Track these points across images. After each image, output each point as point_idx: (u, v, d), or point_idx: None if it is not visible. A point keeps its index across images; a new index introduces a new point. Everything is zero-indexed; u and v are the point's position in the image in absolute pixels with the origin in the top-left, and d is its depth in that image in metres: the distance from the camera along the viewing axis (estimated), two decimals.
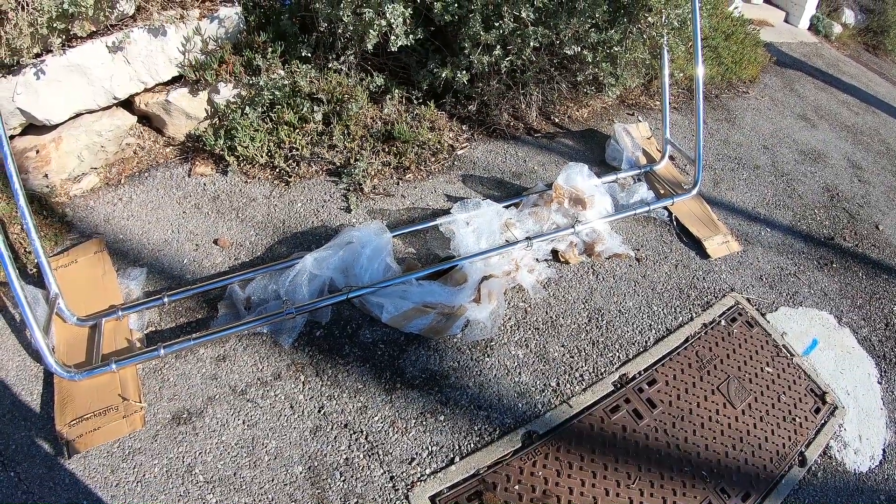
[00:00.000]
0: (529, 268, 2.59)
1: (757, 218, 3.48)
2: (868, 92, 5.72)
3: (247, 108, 2.92)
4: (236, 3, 3.05)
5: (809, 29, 6.65)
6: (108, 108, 2.95)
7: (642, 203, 3.09)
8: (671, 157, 3.54)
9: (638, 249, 2.98)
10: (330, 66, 2.97)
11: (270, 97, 2.90)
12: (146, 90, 3.00)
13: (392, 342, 2.37)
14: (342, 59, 2.95)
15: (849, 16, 6.92)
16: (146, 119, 3.11)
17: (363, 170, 2.83)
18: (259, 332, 2.32)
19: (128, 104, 3.04)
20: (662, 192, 3.28)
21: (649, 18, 2.99)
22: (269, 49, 2.91)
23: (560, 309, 2.61)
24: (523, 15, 2.70)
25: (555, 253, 2.77)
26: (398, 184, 3.01)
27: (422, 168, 3.04)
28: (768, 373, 2.68)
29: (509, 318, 2.52)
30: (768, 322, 2.89)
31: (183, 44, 2.93)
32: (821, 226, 3.59)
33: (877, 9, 7.10)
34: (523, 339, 2.47)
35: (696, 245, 3.10)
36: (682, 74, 3.95)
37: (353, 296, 2.41)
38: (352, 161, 2.89)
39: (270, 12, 3.11)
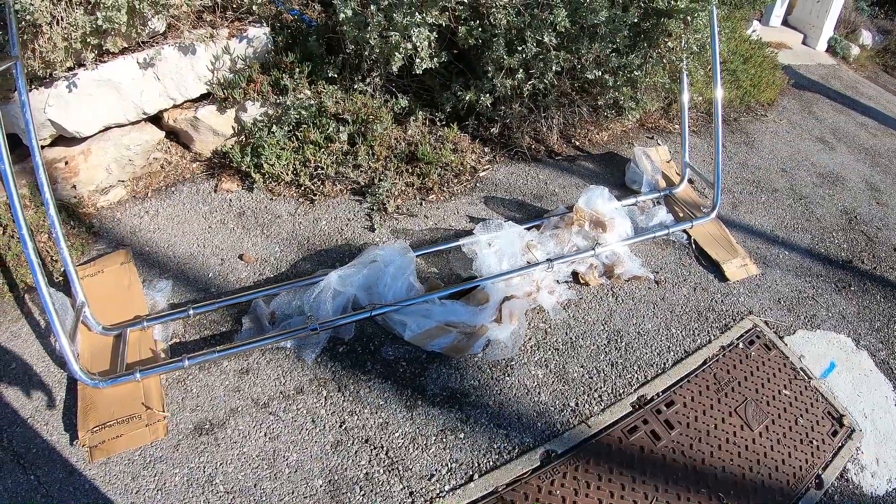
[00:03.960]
0: (550, 289, 2.65)
1: (775, 241, 3.52)
2: (886, 114, 5.76)
3: (273, 126, 3.02)
4: (265, 24, 3.15)
5: (827, 51, 6.71)
6: (137, 122, 3.04)
7: (661, 226, 3.15)
8: (690, 181, 3.59)
9: (657, 272, 3.02)
10: (356, 87, 3.06)
11: (297, 116, 3.00)
12: (175, 106, 3.09)
13: (414, 360, 2.43)
14: (368, 80, 3.05)
15: (866, 37, 6.97)
16: (174, 134, 3.20)
17: (387, 190, 2.91)
18: (282, 347, 2.38)
19: (156, 119, 3.13)
20: (681, 215, 3.33)
21: (668, 43, 3.07)
22: (297, 69, 3.00)
23: (580, 330, 2.67)
24: (546, 39, 2.79)
25: (575, 275, 2.82)
26: (421, 204, 3.08)
27: (445, 189, 3.12)
28: (786, 395, 2.72)
29: (530, 339, 2.58)
30: (786, 345, 2.93)
31: (212, 62, 3.02)
32: (839, 248, 3.63)
33: (894, 30, 7.17)
34: (543, 360, 2.53)
35: (715, 268, 3.14)
36: (700, 98, 4.02)
37: (377, 313, 2.46)
38: (376, 181, 2.97)
39: (298, 33, 3.22)
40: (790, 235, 3.60)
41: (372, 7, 2.73)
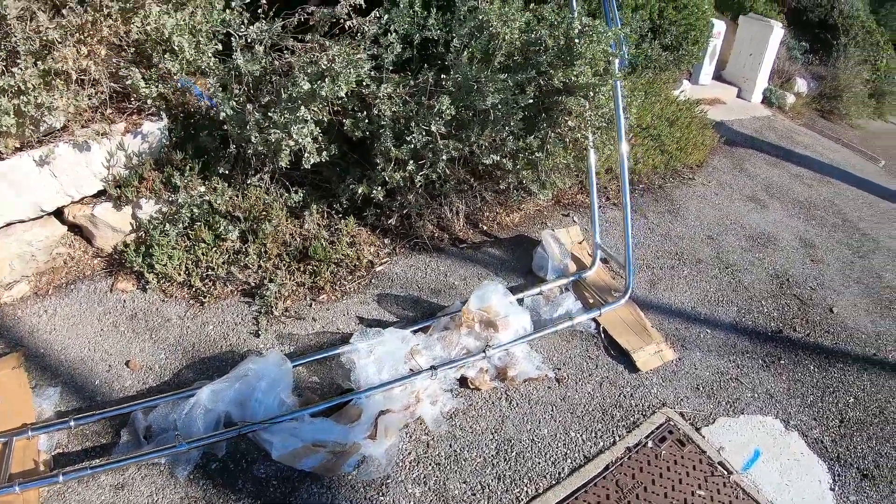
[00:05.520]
0: (433, 399, 2.26)
1: (697, 318, 3.11)
2: (822, 161, 5.38)
3: (167, 224, 2.71)
4: (163, 117, 2.86)
5: (763, 102, 6.37)
6: (39, 218, 2.76)
7: (566, 317, 2.74)
8: (604, 261, 3.21)
9: (559, 368, 2.62)
10: (249, 182, 2.72)
11: (189, 215, 2.68)
12: (74, 202, 2.82)
13: (285, 479, 2.09)
14: (258, 176, 2.71)
15: (801, 84, 6.64)
16: (77, 228, 2.91)
17: (275, 292, 2.56)
18: (157, 462, 2.09)
19: (59, 213, 2.85)
20: (592, 301, 2.94)
21: (569, 122, 2.71)
22: (188, 166, 2.68)
23: (466, 441, 2.27)
24: (433, 129, 2.44)
25: (464, 380, 2.43)
26: (311, 305, 2.72)
27: (337, 288, 2.76)
28: (700, 497, 2.31)
29: (409, 453, 2.20)
30: (703, 437, 2.52)
31: (107, 159, 2.76)
32: (768, 318, 3.22)
33: (828, 75, 6.80)
34: (422, 476, 2.14)
35: (626, 358, 2.73)
36: (619, 169, 3.63)
37: (245, 432, 2.15)
38: (266, 281, 2.62)
39: (199, 124, 2.90)
40: (714, 310, 3.19)
41: (249, 106, 2.40)
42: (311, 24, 2.58)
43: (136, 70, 2.73)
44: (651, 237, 3.68)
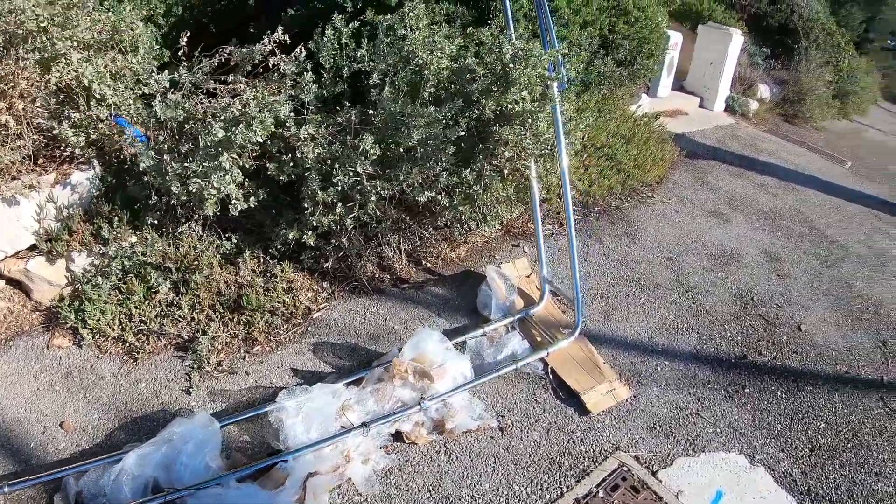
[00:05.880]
0: (365, 457, 2.05)
1: (654, 350, 2.88)
2: (787, 167, 5.15)
3: (100, 277, 2.54)
4: (94, 165, 2.68)
5: (726, 110, 6.16)
6: None
7: (511, 359, 2.52)
8: (554, 294, 2.97)
9: (503, 416, 2.40)
10: (180, 230, 2.52)
11: (121, 266, 2.50)
12: (9, 257, 2.64)
13: None
14: (188, 224, 2.50)
15: (764, 90, 6.44)
16: (16, 282, 2.72)
17: (207, 345, 2.37)
18: None
19: None
20: (540, 339, 2.71)
21: (506, 153, 2.48)
22: (116, 217, 2.49)
23: (401, 500, 2.07)
24: (359, 169, 2.23)
25: (400, 434, 2.22)
26: (245, 358, 2.51)
27: (272, 338, 2.54)
28: None
29: None
30: (660, 481, 2.30)
31: (37, 212, 2.60)
32: (731, 343, 3.00)
33: (791, 79, 6.58)
34: None
35: (576, 399, 2.50)
36: (574, 192, 3.40)
37: (170, 499, 1.97)
38: (199, 334, 2.42)
39: (129, 172, 2.70)
40: (672, 339, 2.97)
41: (166, 156, 2.19)
42: (233, 64, 2.38)
43: (67, 117, 2.56)
44: (606, 263, 3.43)
